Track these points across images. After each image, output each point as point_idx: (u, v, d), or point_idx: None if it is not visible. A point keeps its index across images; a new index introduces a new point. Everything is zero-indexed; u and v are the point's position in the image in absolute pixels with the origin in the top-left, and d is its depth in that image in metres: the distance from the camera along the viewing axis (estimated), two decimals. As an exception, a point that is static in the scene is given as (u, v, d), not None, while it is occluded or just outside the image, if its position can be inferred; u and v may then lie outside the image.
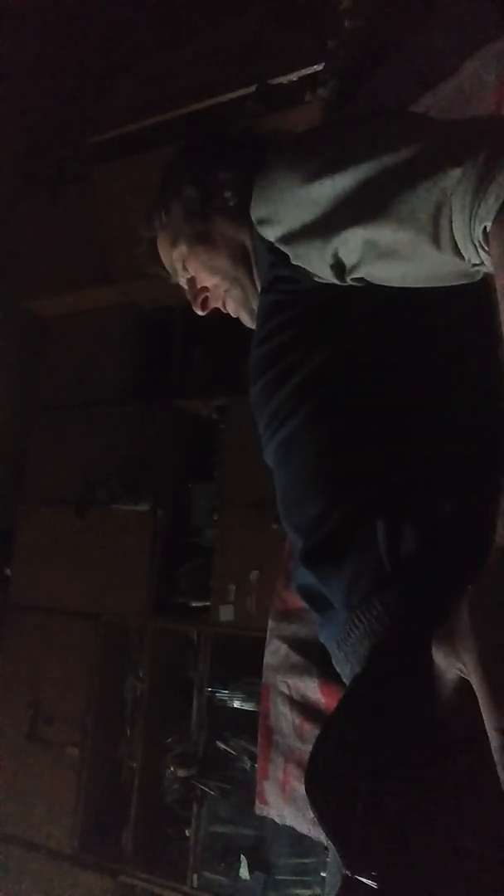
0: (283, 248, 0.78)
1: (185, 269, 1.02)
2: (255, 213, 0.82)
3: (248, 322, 1.03)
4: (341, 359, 0.77)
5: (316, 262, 0.75)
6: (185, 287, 1.05)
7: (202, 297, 1.03)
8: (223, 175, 0.95)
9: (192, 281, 1.03)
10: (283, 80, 1.98)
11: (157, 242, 1.05)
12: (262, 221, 0.81)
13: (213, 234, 0.97)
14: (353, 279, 0.74)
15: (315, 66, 1.88)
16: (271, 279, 0.84)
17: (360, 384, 0.75)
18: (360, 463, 0.73)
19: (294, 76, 1.97)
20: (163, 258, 1.06)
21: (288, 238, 0.77)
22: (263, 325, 0.85)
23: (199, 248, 0.98)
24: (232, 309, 1.04)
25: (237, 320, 1.07)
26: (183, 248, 1.00)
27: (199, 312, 1.05)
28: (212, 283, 1.01)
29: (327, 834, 0.58)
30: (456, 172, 0.59)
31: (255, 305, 0.98)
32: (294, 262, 0.78)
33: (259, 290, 0.92)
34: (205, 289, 1.03)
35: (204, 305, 1.04)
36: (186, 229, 0.99)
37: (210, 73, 2.18)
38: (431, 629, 0.51)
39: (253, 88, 2.03)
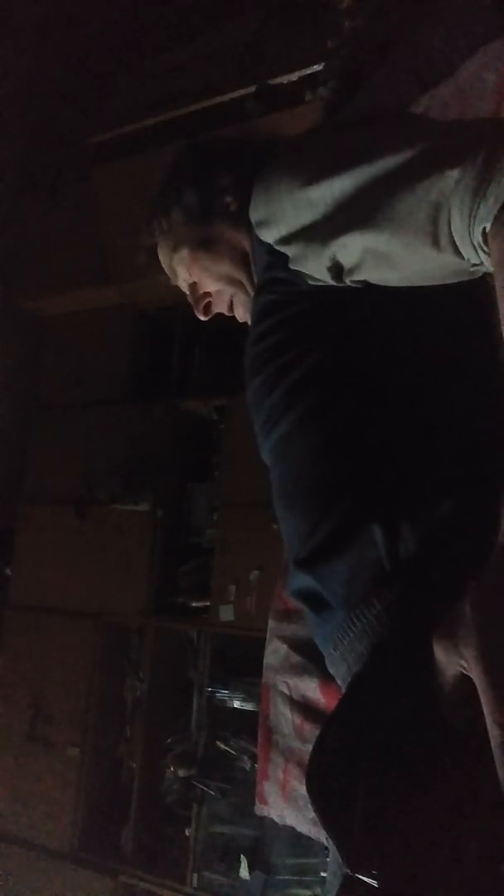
0: (282, 249, 0.78)
1: (187, 274, 1.01)
2: (254, 215, 0.81)
3: None
4: (337, 358, 0.77)
5: (313, 264, 0.75)
6: (187, 292, 1.04)
7: (204, 302, 1.02)
8: (223, 179, 0.94)
9: (193, 286, 1.02)
10: (283, 80, 1.99)
11: (156, 248, 1.04)
12: (260, 223, 0.81)
13: (214, 239, 0.96)
14: (352, 281, 0.74)
15: (315, 66, 1.88)
16: (266, 280, 0.83)
17: (357, 383, 0.75)
18: (356, 463, 0.72)
19: (294, 76, 1.97)
20: (163, 264, 1.04)
21: (286, 240, 0.77)
22: (258, 324, 0.84)
23: (202, 253, 0.97)
24: (240, 314, 1.02)
25: (237, 320, 1.06)
26: (184, 254, 0.98)
27: (202, 317, 1.04)
28: (215, 288, 1.00)
29: (327, 832, 0.58)
30: (454, 174, 0.60)
31: None
32: (291, 266, 0.78)
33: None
34: (207, 294, 1.01)
35: (206, 311, 1.03)
36: (188, 235, 0.97)
37: (210, 73, 2.18)
38: (431, 627, 0.51)
39: (253, 88, 2.03)
